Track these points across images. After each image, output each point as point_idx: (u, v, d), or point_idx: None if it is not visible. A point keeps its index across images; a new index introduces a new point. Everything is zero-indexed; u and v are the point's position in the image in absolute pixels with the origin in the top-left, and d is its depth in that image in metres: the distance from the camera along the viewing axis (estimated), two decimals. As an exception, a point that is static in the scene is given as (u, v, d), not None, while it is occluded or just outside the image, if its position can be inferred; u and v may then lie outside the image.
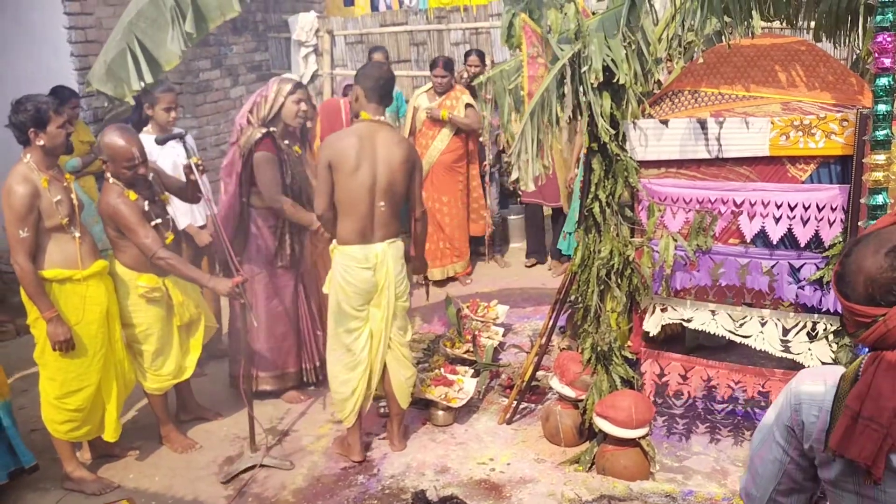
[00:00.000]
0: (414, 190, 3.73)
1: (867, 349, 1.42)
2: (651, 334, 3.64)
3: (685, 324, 3.55)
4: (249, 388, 3.80)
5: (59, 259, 3.47)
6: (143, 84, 3.65)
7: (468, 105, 6.05)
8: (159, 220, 3.71)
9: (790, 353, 3.36)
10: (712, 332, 3.49)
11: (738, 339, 3.45)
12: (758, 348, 3.41)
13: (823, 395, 1.42)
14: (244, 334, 3.86)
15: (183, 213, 4.60)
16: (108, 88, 3.62)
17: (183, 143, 3.75)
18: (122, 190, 3.62)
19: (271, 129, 4.12)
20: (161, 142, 3.89)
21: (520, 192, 6.71)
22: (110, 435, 3.75)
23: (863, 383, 1.35)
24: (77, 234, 3.51)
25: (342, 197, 3.57)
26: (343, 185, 3.55)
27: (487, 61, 6.39)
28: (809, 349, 3.33)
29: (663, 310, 3.58)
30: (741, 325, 3.44)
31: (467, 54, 6.41)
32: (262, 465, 3.78)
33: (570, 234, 5.99)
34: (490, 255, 6.70)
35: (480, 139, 6.24)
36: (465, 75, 6.25)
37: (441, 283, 6.19)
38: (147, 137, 4.18)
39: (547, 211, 6.55)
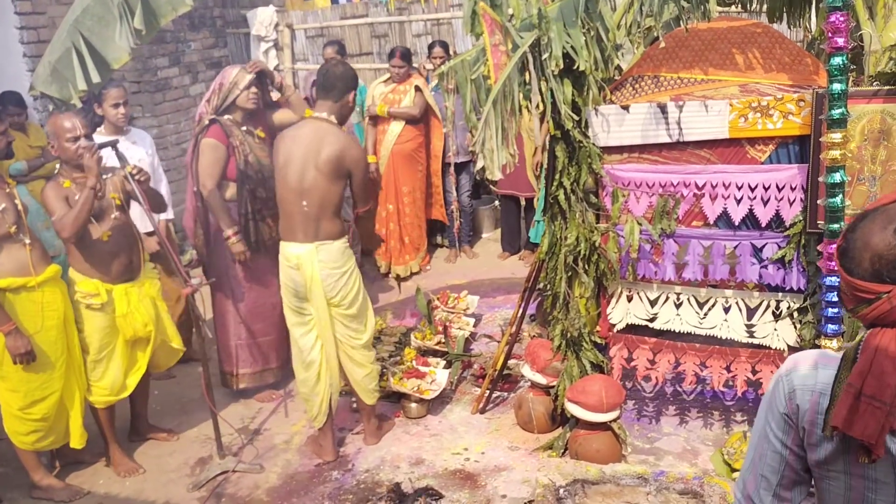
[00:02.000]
0: (355, 188, 3.66)
1: (864, 326, 1.40)
2: (616, 326, 3.67)
3: (650, 325, 3.59)
4: (211, 394, 3.74)
5: (11, 267, 3.37)
6: (90, 85, 3.52)
7: (416, 88, 6.03)
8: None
9: (755, 337, 3.42)
10: (677, 330, 3.54)
11: (703, 332, 3.50)
12: (723, 337, 3.46)
13: (816, 379, 1.41)
14: (200, 344, 3.76)
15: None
16: (53, 90, 3.48)
17: (116, 151, 3.58)
18: (61, 179, 3.53)
19: (226, 116, 4.09)
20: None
21: (490, 184, 6.71)
22: (76, 442, 3.67)
23: (864, 361, 1.33)
24: (27, 241, 3.42)
25: (277, 193, 3.68)
26: (276, 182, 3.66)
27: (450, 52, 6.36)
28: (775, 330, 3.39)
29: (629, 298, 3.61)
30: (705, 315, 3.49)
31: (431, 46, 6.38)
32: (232, 471, 3.73)
33: (538, 222, 6.02)
34: (459, 247, 6.69)
35: (444, 129, 6.23)
36: (432, 66, 6.23)
37: (405, 278, 6.18)
38: (98, 139, 4.06)
39: (522, 202, 6.54)
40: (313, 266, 3.54)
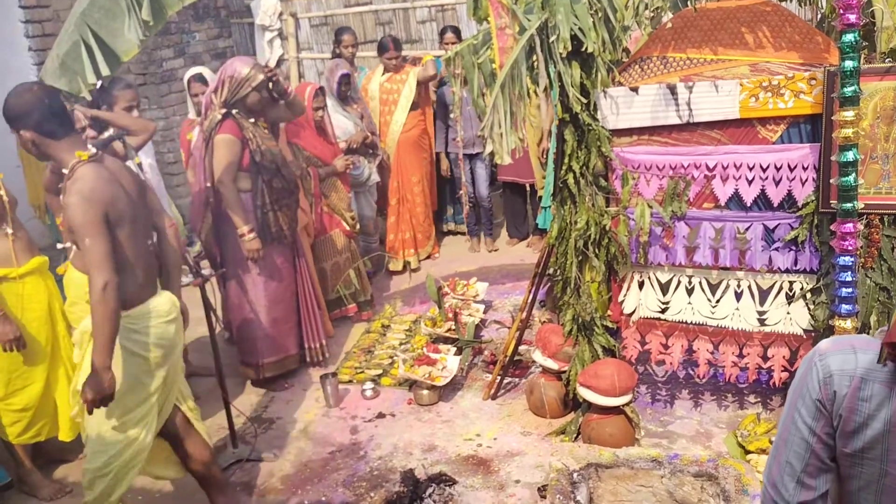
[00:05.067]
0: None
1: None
2: (631, 318, 3.65)
3: (661, 316, 3.57)
4: (224, 384, 3.75)
5: None
6: (99, 78, 3.49)
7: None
8: None
9: (767, 325, 3.41)
10: (689, 322, 3.52)
11: (714, 323, 3.48)
12: (735, 328, 3.45)
13: (855, 363, 1.37)
14: (213, 336, 3.75)
15: None
16: (63, 84, 3.43)
17: (124, 143, 3.52)
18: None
19: (233, 111, 4.08)
20: (101, 146, 3.68)
21: (496, 171, 6.67)
22: (65, 434, 3.65)
23: None
24: (9, 231, 3.41)
25: (127, 249, 2.86)
26: (129, 234, 2.86)
27: (461, 37, 6.32)
28: (788, 314, 3.37)
29: (640, 285, 3.60)
30: (717, 303, 3.47)
31: (443, 31, 6.32)
32: (246, 460, 3.75)
33: (545, 208, 5.99)
34: (473, 235, 6.63)
35: (451, 115, 6.20)
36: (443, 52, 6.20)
37: (415, 269, 6.15)
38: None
39: (528, 188, 6.50)
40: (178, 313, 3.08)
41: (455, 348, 4.48)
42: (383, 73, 6.05)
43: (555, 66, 3.20)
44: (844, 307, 3.06)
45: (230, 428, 3.78)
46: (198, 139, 4.24)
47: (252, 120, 4.15)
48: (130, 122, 3.70)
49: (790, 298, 3.36)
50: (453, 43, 6.10)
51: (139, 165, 3.57)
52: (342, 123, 5.39)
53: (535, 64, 3.22)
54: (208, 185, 4.14)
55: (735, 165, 3.26)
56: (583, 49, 3.18)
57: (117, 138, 3.59)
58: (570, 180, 3.50)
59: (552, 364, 3.79)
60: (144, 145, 3.76)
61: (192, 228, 4.44)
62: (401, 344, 4.84)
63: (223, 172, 4.05)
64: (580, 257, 3.59)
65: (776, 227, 3.29)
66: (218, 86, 4.10)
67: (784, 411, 1.50)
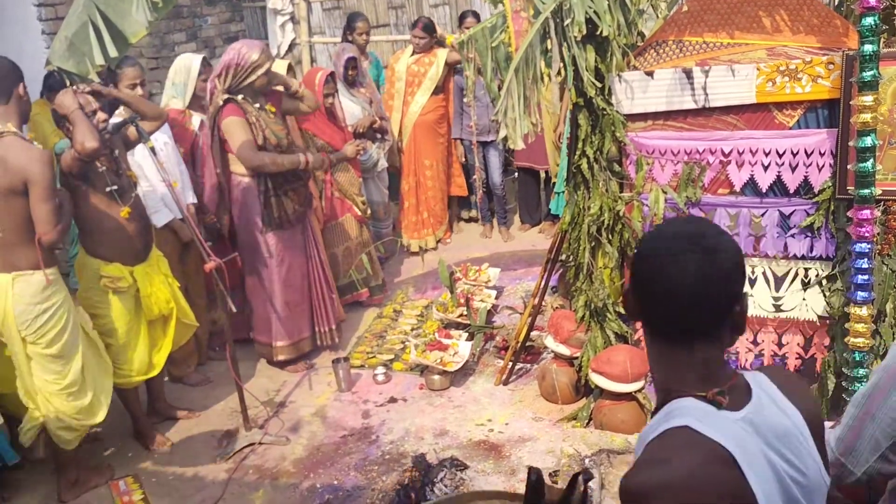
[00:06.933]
0: (34, 208, 3.08)
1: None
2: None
3: None
4: (237, 368, 3.76)
5: None
6: (107, 60, 3.46)
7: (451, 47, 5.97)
8: (115, 187, 3.51)
9: (783, 311, 3.38)
10: None
11: None
12: (749, 314, 3.42)
13: None
14: (227, 319, 3.76)
15: (161, 209, 4.18)
16: (71, 66, 3.38)
17: (137, 127, 3.54)
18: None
19: (239, 96, 4.06)
20: (114, 130, 3.60)
21: (511, 157, 6.65)
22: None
23: None
24: None
25: None
26: None
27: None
28: (804, 300, 3.35)
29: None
30: None
31: (463, 15, 6.23)
32: (259, 443, 3.77)
33: (558, 193, 5.96)
34: (487, 220, 6.61)
35: (465, 100, 6.17)
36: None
37: (417, 252, 6.14)
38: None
39: (542, 174, 6.47)
40: (6, 300, 3.10)
41: (467, 334, 4.49)
42: (412, 54, 6.02)
43: (569, 50, 3.18)
44: (860, 294, 3.04)
45: (243, 411, 3.80)
46: (205, 127, 4.24)
47: (258, 105, 4.13)
48: (146, 106, 3.69)
49: (805, 285, 3.34)
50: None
51: (152, 150, 3.57)
52: (349, 108, 5.37)
53: (550, 47, 3.19)
54: (217, 171, 4.14)
55: (751, 151, 3.23)
56: (598, 32, 3.15)
57: (130, 122, 3.59)
58: (584, 165, 3.48)
59: (564, 350, 3.79)
60: (157, 130, 3.75)
61: (214, 215, 4.42)
62: (412, 329, 4.85)
63: (247, 149, 4.00)
64: (593, 243, 3.58)
65: (792, 213, 3.27)
66: (221, 71, 4.07)
67: (871, 384, 1.53)
